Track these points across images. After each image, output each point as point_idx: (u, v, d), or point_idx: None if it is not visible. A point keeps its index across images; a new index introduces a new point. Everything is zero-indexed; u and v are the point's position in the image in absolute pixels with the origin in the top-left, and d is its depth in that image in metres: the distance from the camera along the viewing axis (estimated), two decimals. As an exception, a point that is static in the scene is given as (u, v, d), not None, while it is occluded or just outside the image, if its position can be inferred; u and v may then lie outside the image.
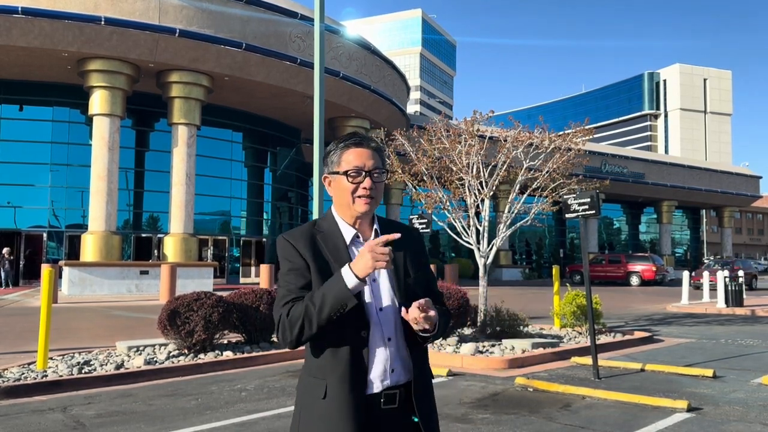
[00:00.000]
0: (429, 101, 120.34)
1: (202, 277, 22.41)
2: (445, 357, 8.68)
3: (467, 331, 10.69)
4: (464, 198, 11.28)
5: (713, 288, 26.11)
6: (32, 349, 8.69)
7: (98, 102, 22.75)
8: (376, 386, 1.88)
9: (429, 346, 2.37)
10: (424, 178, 11.62)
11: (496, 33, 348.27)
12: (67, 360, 8.15)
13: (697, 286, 27.77)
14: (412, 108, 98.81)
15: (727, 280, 18.13)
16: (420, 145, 11.95)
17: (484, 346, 9.34)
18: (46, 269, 7.70)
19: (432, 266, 11.90)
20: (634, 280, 33.61)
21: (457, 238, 11.46)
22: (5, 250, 24.42)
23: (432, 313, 1.83)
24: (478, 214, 11.28)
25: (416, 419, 1.93)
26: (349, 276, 1.80)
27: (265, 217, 33.19)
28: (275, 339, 9.71)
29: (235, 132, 30.71)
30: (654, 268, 33.54)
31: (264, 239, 32.47)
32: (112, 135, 22.88)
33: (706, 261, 32.55)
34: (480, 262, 10.95)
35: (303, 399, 1.94)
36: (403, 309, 1.86)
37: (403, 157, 12.96)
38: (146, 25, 21.96)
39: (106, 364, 7.84)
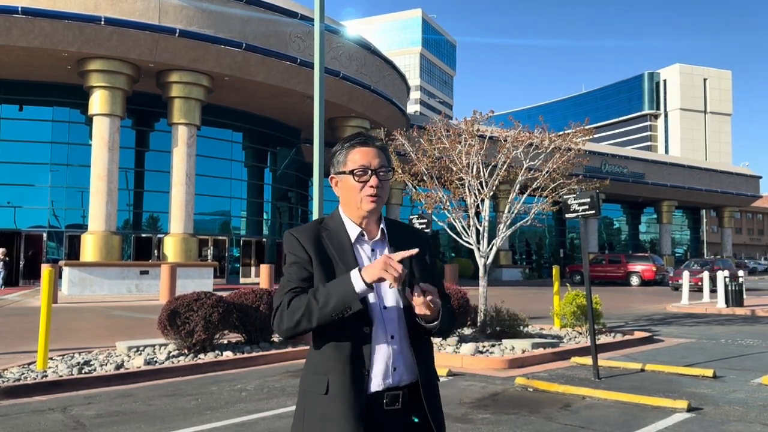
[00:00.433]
0: (429, 101, 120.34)
1: (202, 277, 22.42)
2: (445, 357, 8.68)
3: (467, 331, 10.69)
4: (464, 198, 11.27)
5: (698, 289, 25.96)
6: (32, 349, 8.69)
7: (98, 102, 22.76)
8: (378, 384, 1.88)
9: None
10: (424, 178, 11.62)
11: (496, 33, 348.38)
12: (67, 360, 8.15)
13: (675, 287, 27.59)
14: (412, 108, 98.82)
15: (727, 280, 18.12)
16: (420, 145, 11.94)
17: (484, 346, 9.34)
18: (46, 269, 7.69)
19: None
20: (634, 280, 33.60)
21: (457, 238, 11.46)
22: (0, 251, 24.38)
23: (436, 298, 1.84)
24: (478, 214, 11.28)
25: (416, 419, 1.92)
26: (357, 280, 1.80)
27: (265, 217, 33.20)
28: (275, 339, 9.72)
29: (235, 132, 30.72)
30: (654, 268, 33.54)
31: (264, 239, 32.48)
32: (112, 135, 22.88)
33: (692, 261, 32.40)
34: (480, 262, 10.95)
35: (305, 395, 1.95)
36: (407, 289, 1.87)
37: (403, 157, 12.97)
38: (146, 25, 21.97)
39: (106, 364, 7.84)
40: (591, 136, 12.55)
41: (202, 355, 8.44)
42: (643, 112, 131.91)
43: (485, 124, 13.12)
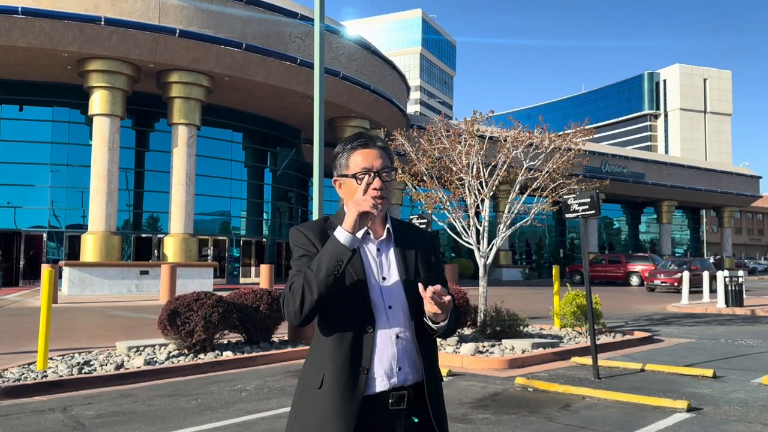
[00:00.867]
0: (429, 101, 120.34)
1: (202, 277, 22.42)
2: (445, 357, 8.68)
3: (467, 331, 10.69)
4: (464, 198, 11.28)
5: (674, 290, 25.85)
6: (32, 349, 8.69)
7: (98, 102, 22.76)
8: (382, 384, 1.88)
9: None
10: (424, 178, 11.63)
11: (496, 33, 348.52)
12: (67, 360, 8.15)
13: (651, 288, 27.24)
14: (412, 108, 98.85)
15: (727, 280, 18.12)
16: (420, 145, 11.95)
17: (484, 346, 9.34)
18: (46, 269, 7.69)
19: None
20: (634, 280, 33.58)
21: (457, 238, 11.46)
22: None
23: (448, 298, 1.86)
24: (478, 214, 11.28)
25: (416, 419, 1.93)
26: (340, 233, 1.85)
27: (265, 217, 33.20)
28: (275, 339, 9.73)
29: (235, 132, 30.72)
30: (654, 269, 33.52)
31: (264, 239, 32.48)
32: (112, 135, 22.89)
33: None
34: (480, 262, 10.96)
35: (301, 387, 1.97)
36: (420, 286, 1.89)
37: (403, 157, 12.97)
38: (146, 25, 21.97)
39: (106, 365, 7.84)
40: (591, 136, 12.55)
41: (202, 355, 8.44)
42: (643, 112, 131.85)
43: (485, 124, 13.13)
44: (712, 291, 21.24)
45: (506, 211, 11.28)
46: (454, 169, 11.17)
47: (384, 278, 1.96)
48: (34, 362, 7.77)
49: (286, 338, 9.95)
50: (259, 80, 25.01)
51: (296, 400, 1.98)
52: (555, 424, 5.57)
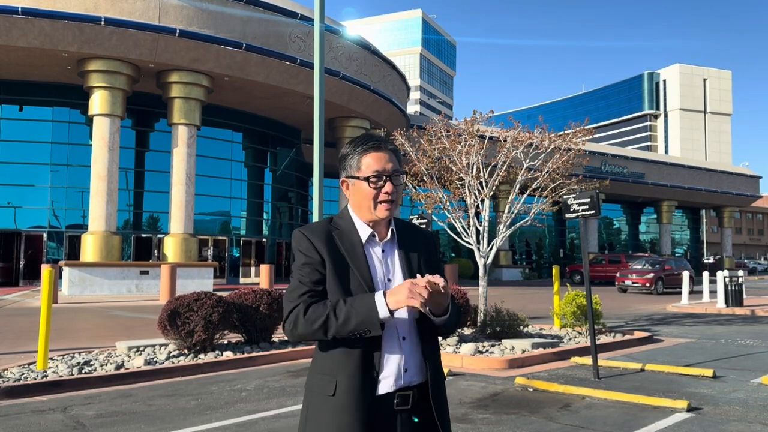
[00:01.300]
0: (429, 101, 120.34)
1: (202, 277, 22.42)
2: (445, 357, 8.67)
3: (467, 331, 10.69)
4: (464, 198, 11.28)
5: (646, 291, 25.73)
6: (32, 349, 8.70)
7: (98, 102, 22.76)
8: (389, 386, 1.88)
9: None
10: (424, 178, 11.63)
11: (496, 33, 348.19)
12: (67, 360, 8.15)
13: (623, 289, 26.80)
14: (412, 108, 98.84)
15: (727, 280, 18.13)
16: (420, 145, 11.95)
17: (484, 346, 9.34)
18: (46, 269, 7.69)
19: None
20: (634, 280, 33.49)
21: (457, 238, 11.47)
22: None
23: (442, 281, 1.81)
24: (478, 214, 11.29)
25: (416, 419, 1.93)
26: (382, 305, 1.80)
27: (265, 217, 33.20)
28: (275, 339, 9.73)
29: (235, 132, 30.72)
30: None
31: (264, 239, 32.49)
32: (112, 135, 22.89)
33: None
34: (480, 262, 10.96)
35: (312, 396, 1.94)
36: (418, 275, 1.87)
37: (403, 157, 12.93)
38: (146, 25, 21.97)
39: (106, 365, 7.84)
40: (591, 136, 12.56)
41: (202, 355, 8.44)
42: (643, 112, 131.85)
43: (485, 125, 13.13)
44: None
45: (506, 211, 11.28)
46: (454, 169, 11.18)
47: (389, 280, 1.96)
48: (34, 362, 7.78)
49: (286, 338, 9.96)
50: (259, 80, 25.02)
51: (308, 409, 1.94)
52: (555, 424, 5.57)
